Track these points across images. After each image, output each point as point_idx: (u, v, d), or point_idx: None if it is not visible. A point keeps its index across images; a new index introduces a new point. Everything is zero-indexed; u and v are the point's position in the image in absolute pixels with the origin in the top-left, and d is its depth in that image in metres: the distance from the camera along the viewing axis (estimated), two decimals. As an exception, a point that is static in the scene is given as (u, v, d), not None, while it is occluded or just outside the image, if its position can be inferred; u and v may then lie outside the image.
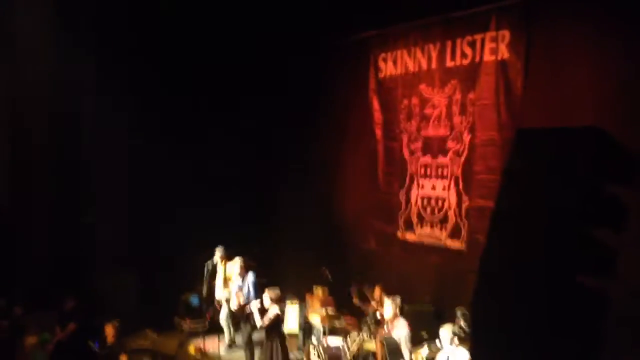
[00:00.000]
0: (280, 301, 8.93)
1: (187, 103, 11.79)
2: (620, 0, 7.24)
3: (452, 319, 8.16)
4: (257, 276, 10.31)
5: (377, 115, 11.01)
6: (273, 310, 8.63)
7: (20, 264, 10.60)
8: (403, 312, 8.34)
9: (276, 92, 12.39)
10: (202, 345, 10.38)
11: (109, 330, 8.44)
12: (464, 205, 9.41)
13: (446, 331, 7.25)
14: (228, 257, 10.76)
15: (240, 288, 10.11)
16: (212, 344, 10.46)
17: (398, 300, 8.26)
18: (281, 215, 12.68)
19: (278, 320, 8.76)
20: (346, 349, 8.87)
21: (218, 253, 10.78)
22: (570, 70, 7.83)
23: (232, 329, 10.87)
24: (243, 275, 10.24)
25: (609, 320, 3.93)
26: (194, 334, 11.05)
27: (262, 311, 8.76)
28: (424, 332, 8.99)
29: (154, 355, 9.66)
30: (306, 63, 12.04)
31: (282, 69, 12.36)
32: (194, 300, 11.66)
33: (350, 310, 10.10)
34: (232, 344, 10.90)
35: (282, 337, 8.80)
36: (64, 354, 8.88)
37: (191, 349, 10.31)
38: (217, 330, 10.65)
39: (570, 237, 4.64)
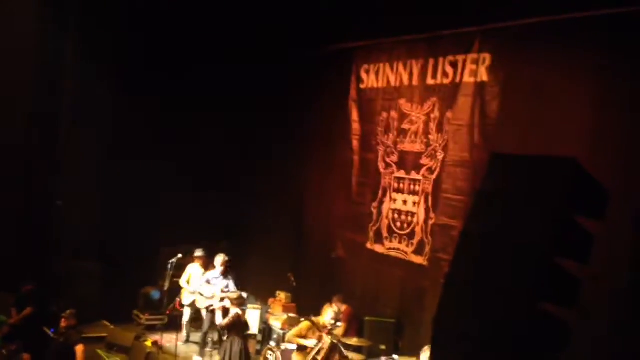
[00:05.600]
0: (241, 303, 8.99)
1: (170, 106, 11.74)
2: (602, 35, 7.37)
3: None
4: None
5: (356, 127, 11.03)
6: (233, 310, 8.76)
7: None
8: None
9: (255, 95, 12.28)
10: (159, 340, 10.32)
11: (66, 319, 8.31)
12: (430, 222, 9.49)
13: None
14: (206, 259, 10.69)
15: (208, 281, 10.11)
16: (169, 339, 10.40)
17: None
18: (250, 219, 12.62)
19: (238, 321, 8.79)
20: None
21: (198, 254, 10.70)
22: (549, 99, 7.93)
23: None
24: (224, 273, 10.17)
25: (568, 348, 4.00)
26: (152, 328, 11.01)
27: (224, 311, 8.88)
28: (383, 346, 9.04)
29: (109, 346, 9.57)
30: (287, 69, 11.96)
31: (262, 74, 12.14)
32: (155, 294, 11.59)
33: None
34: (188, 340, 10.89)
35: (242, 337, 8.82)
36: (19, 338, 8.72)
37: (148, 342, 10.22)
38: (175, 326, 10.58)
39: (535, 264, 4.71)
